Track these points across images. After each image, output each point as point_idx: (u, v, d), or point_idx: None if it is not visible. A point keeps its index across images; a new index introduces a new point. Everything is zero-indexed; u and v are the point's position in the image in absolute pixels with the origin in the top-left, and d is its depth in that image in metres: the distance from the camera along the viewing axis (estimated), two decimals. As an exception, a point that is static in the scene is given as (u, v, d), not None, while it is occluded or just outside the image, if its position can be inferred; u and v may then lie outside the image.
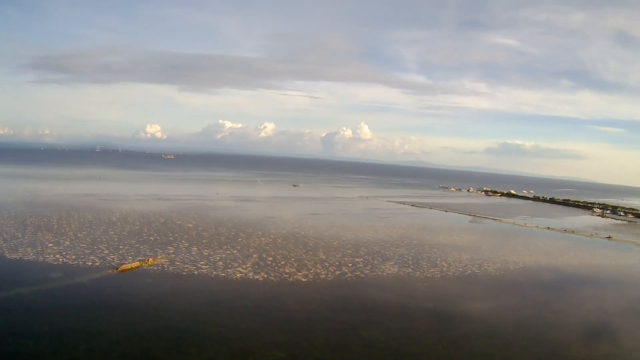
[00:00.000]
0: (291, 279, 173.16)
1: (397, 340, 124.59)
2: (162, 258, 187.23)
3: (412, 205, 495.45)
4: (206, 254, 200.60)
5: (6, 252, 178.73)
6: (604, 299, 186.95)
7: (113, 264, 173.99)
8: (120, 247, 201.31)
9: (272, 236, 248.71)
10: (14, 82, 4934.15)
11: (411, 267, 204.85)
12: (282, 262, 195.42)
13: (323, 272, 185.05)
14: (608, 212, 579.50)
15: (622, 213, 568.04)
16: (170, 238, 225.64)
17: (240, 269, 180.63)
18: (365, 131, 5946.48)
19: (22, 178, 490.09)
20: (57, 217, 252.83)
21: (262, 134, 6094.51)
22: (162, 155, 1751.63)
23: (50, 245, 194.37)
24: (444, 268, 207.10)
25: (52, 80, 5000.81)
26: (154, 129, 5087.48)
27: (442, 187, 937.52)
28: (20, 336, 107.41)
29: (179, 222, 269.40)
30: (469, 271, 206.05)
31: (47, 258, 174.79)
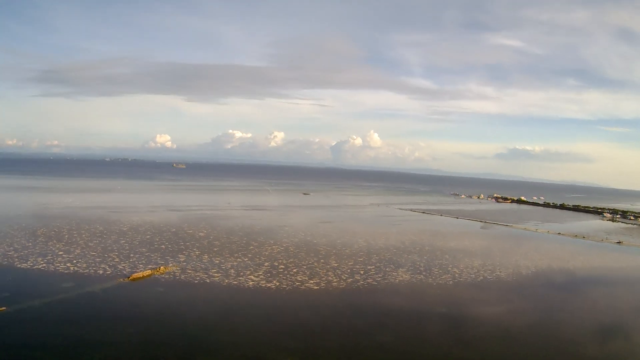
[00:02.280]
0: (303, 287, 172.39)
1: (410, 345, 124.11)
2: (174, 266, 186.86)
3: (423, 212, 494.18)
4: (217, 262, 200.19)
5: (17, 262, 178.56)
6: (615, 300, 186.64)
7: (124, 272, 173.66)
8: (131, 255, 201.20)
9: (284, 244, 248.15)
10: (19, 95, 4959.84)
11: (423, 273, 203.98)
12: (294, 270, 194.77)
13: (335, 280, 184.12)
14: (618, 216, 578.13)
15: (632, 217, 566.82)
16: (182, 246, 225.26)
17: (252, 277, 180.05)
18: (375, 139, 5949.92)
19: (32, 190, 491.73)
20: (68, 228, 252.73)
21: (272, 143, 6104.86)
22: (174, 165, 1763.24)
23: (61, 254, 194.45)
24: (456, 274, 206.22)
25: (58, 93, 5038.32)
26: (164, 139, 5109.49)
27: (452, 194, 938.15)
28: (32, 348, 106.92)
29: (190, 232, 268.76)
30: (481, 277, 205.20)
31: (58, 267, 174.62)
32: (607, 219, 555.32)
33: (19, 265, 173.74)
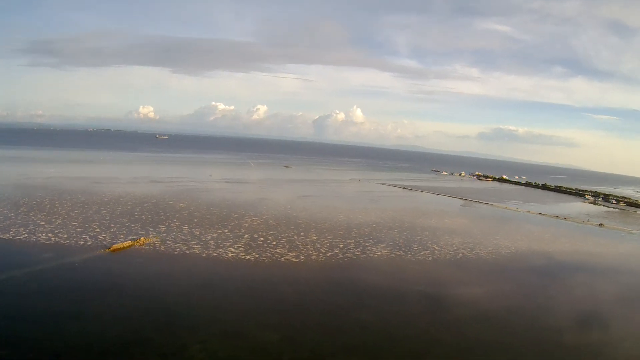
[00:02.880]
0: (283, 260, 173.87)
1: (390, 323, 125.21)
2: (154, 237, 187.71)
3: (404, 188, 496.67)
4: (197, 233, 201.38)
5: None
6: (595, 285, 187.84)
7: (105, 243, 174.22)
8: (112, 225, 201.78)
9: (264, 217, 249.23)
10: (7, 65, 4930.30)
11: (402, 249, 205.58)
12: (274, 243, 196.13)
13: (314, 253, 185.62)
14: (600, 199, 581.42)
15: (614, 201, 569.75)
16: (162, 217, 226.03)
17: (231, 249, 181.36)
18: (358, 115, 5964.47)
19: (14, 160, 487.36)
20: (50, 198, 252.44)
21: (255, 116, 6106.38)
22: (157, 136, 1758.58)
23: (43, 224, 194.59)
24: (436, 251, 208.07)
25: (45, 63, 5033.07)
26: (147, 110, 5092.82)
27: (434, 170, 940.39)
28: (13, 320, 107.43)
29: (171, 203, 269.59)
30: (461, 254, 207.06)
31: (40, 237, 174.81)
32: (589, 201, 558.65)
33: (0, 236, 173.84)
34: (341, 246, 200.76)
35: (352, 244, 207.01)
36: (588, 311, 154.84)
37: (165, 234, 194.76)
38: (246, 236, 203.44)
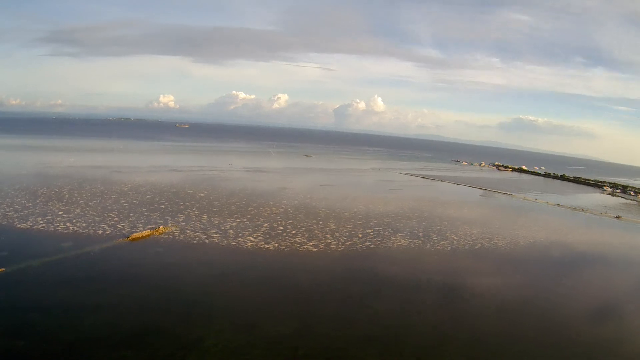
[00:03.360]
0: (302, 249, 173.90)
1: (404, 316, 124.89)
2: (173, 226, 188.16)
3: (424, 177, 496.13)
4: (217, 222, 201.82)
5: (17, 222, 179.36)
6: (611, 278, 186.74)
7: (124, 232, 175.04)
8: (131, 215, 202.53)
9: (284, 206, 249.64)
10: (28, 55, 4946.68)
11: (422, 239, 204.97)
12: (293, 232, 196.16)
13: (333, 243, 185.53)
14: (618, 191, 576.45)
15: (632, 193, 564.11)
16: (181, 207, 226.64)
17: (251, 237, 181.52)
18: (379, 104, 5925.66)
19: (34, 149, 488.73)
20: (69, 188, 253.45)
21: (275, 105, 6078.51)
22: (177, 125, 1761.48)
23: (61, 213, 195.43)
24: (454, 241, 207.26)
25: (66, 53, 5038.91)
26: (167, 99, 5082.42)
27: (453, 160, 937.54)
28: (29, 310, 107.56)
29: (190, 192, 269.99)
30: (479, 245, 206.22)
31: (58, 227, 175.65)
32: (607, 192, 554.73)
33: (18, 226, 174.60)
34: (360, 235, 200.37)
35: (371, 233, 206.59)
36: (604, 303, 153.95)
37: (184, 223, 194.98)
38: (265, 225, 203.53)
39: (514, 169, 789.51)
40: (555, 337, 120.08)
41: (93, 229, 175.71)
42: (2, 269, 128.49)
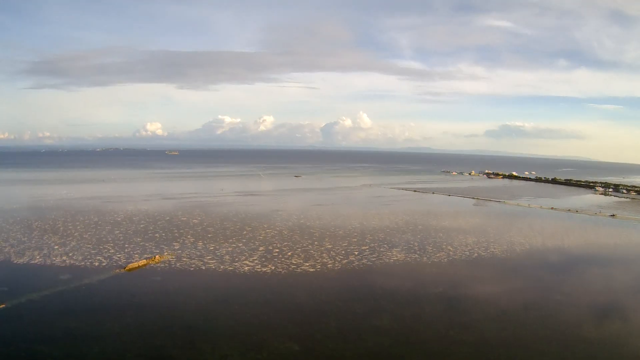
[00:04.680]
0: (299, 270, 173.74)
1: (408, 328, 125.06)
2: (169, 255, 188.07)
3: (415, 191, 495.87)
4: (212, 248, 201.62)
5: (13, 257, 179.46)
6: (611, 278, 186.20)
7: (120, 263, 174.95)
8: (126, 245, 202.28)
9: (278, 228, 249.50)
10: (12, 88, 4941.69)
11: (418, 252, 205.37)
12: (289, 254, 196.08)
13: (330, 262, 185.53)
14: (610, 190, 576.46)
15: (624, 191, 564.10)
16: (176, 234, 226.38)
17: (247, 262, 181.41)
18: (365, 120, 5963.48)
19: (25, 183, 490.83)
20: (63, 220, 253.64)
21: (262, 127, 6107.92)
22: (167, 152, 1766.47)
23: (57, 247, 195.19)
24: (451, 252, 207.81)
25: (50, 85, 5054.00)
26: (155, 127, 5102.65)
27: (443, 171, 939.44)
28: (33, 342, 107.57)
29: (184, 219, 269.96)
30: (476, 254, 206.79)
31: (55, 260, 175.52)
32: (600, 192, 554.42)
33: (15, 261, 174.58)
34: (356, 253, 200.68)
35: (367, 250, 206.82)
36: (605, 303, 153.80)
37: (180, 251, 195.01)
38: (261, 248, 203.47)
39: (504, 176, 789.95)
40: (562, 338, 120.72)
41: (89, 261, 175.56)
42: (3, 304, 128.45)
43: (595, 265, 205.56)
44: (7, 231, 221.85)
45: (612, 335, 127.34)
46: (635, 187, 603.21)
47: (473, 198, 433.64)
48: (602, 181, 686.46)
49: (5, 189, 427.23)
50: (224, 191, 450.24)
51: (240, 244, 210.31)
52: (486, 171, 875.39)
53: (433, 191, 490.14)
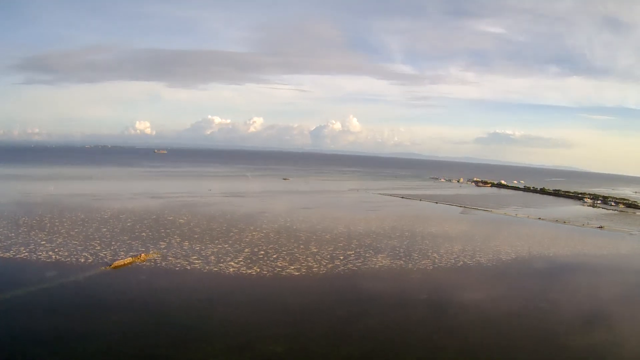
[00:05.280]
0: (284, 273, 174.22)
1: (393, 332, 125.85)
2: (155, 253, 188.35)
3: (402, 197, 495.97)
4: (198, 248, 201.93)
5: (0, 252, 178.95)
6: (596, 287, 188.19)
7: (106, 260, 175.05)
8: (113, 243, 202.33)
9: (264, 230, 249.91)
10: (1, 83, 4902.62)
11: (403, 259, 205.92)
12: (275, 256, 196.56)
13: (315, 266, 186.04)
14: (599, 202, 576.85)
15: (613, 203, 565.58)
16: (163, 234, 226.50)
17: (232, 263, 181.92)
18: (354, 124, 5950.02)
19: (13, 178, 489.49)
20: (50, 216, 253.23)
21: (251, 128, 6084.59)
22: (155, 151, 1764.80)
23: (43, 243, 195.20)
24: (436, 259, 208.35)
25: (40, 80, 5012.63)
26: (144, 125, 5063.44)
27: (432, 178, 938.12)
28: (19, 339, 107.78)
29: (171, 218, 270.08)
30: (461, 262, 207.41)
31: (41, 256, 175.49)
32: (588, 204, 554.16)
33: (1, 255, 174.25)
34: (342, 258, 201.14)
35: (353, 255, 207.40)
36: (591, 312, 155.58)
37: (165, 250, 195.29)
38: (247, 250, 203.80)
39: (493, 184, 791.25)
40: (546, 345, 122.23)
41: (75, 258, 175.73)
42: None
43: (581, 274, 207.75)
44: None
45: (595, 343, 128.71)
46: (624, 199, 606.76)
47: (460, 206, 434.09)
48: (591, 192, 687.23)
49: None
50: (212, 191, 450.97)
51: (226, 245, 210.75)
52: (475, 179, 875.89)
53: (421, 198, 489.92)
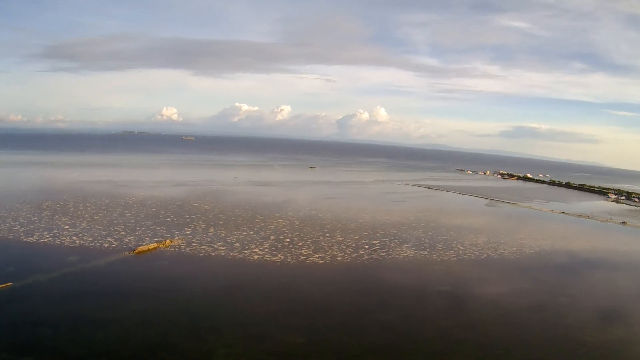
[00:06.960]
0: (308, 261, 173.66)
1: (413, 325, 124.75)
2: (179, 239, 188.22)
3: (428, 187, 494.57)
4: (223, 235, 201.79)
5: (23, 236, 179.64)
6: (617, 283, 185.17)
7: (130, 245, 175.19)
8: (137, 228, 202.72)
9: (289, 218, 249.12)
10: (26, 71, 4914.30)
11: (427, 249, 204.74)
12: (300, 244, 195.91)
13: (340, 254, 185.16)
14: (623, 197, 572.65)
15: (636, 199, 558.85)
16: (188, 220, 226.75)
17: (257, 250, 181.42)
18: (382, 114, 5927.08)
19: (37, 165, 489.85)
20: (74, 202, 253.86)
21: (279, 117, 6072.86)
22: (183, 138, 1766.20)
23: (67, 227, 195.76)
24: (460, 251, 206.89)
25: (64, 68, 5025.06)
26: (170, 112, 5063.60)
27: (458, 169, 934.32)
28: (37, 325, 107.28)
29: (196, 205, 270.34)
30: (485, 254, 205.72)
31: (64, 241, 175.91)
32: (612, 199, 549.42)
33: (24, 240, 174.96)
34: (366, 247, 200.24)
35: (378, 244, 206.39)
36: (610, 308, 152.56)
37: (190, 236, 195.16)
38: (272, 237, 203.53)
39: (518, 177, 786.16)
40: (566, 341, 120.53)
41: (99, 243, 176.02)
42: (9, 284, 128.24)
43: (602, 270, 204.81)
44: (17, 211, 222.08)
45: (614, 340, 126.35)
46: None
47: (486, 198, 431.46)
48: (615, 188, 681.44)
49: (17, 170, 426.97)
50: (238, 179, 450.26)
51: (252, 232, 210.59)
52: (500, 171, 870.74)
53: (447, 189, 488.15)
